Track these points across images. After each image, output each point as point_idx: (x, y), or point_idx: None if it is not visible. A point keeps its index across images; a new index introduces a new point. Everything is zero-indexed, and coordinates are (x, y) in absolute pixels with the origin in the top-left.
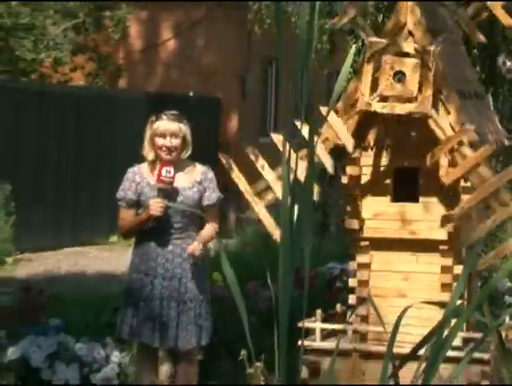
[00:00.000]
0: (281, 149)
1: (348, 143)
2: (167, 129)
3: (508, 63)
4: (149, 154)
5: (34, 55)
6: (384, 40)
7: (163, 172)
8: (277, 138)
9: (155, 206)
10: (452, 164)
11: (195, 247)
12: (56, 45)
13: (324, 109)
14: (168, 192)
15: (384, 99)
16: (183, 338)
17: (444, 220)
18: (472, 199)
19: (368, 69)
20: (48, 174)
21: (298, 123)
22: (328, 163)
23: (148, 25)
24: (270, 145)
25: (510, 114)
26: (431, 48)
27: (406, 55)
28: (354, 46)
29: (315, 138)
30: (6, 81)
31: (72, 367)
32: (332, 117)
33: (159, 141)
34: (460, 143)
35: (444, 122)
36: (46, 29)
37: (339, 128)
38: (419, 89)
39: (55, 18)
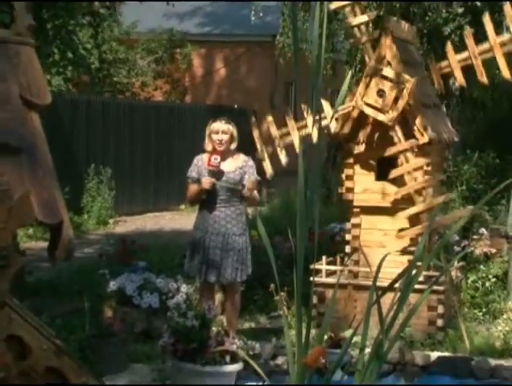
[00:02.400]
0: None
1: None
2: (220, 128)
3: (456, 83)
4: (208, 146)
5: (127, 79)
6: (378, 66)
7: (212, 159)
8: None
9: (205, 182)
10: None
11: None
12: (143, 72)
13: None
14: (215, 173)
15: (371, 106)
16: (232, 275)
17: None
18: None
19: (364, 82)
20: (137, 161)
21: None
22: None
23: (206, 58)
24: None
25: (458, 119)
26: (407, 78)
27: (386, 78)
28: (350, 72)
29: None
30: (108, 98)
31: (154, 295)
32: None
33: (214, 136)
34: (406, 151)
35: (400, 133)
36: (136, 61)
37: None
38: (395, 102)
39: (142, 54)
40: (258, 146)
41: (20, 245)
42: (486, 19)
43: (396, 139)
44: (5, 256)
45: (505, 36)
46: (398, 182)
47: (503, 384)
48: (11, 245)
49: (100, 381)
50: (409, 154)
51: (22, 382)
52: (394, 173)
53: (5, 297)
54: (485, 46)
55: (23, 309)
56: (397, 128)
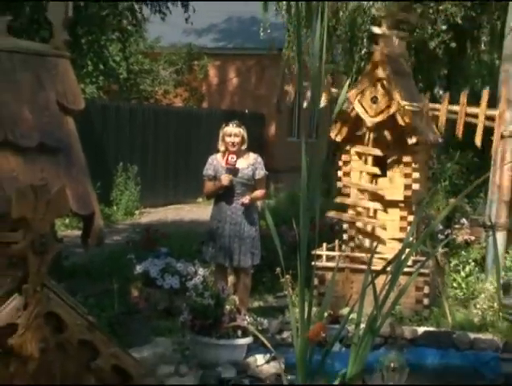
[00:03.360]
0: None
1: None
2: (232, 131)
3: (440, 92)
4: (221, 147)
5: (151, 88)
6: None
7: (230, 158)
8: None
9: (225, 179)
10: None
11: (246, 198)
12: (165, 82)
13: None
14: (232, 170)
15: (367, 112)
16: (243, 260)
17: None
18: None
19: (360, 87)
20: (160, 160)
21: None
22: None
23: (220, 69)
24: (295, 142)
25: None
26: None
27: (380, 80)
28: (348, 82)
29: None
30: (135, 104)
31: (175, 277)
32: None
33: (227, 138)
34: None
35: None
36: (159, 72)
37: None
38: (388, 105)
39: (164, 65)
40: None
41: (57, 233)
42: (484, 93)
43: (400, 120)
44: (44, 243)
45: (495, 112)
46: (391, 178)
47: (481, 354)
48: (50, 233)
49: (127, 352)
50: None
51: (59, 353)
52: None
53: (44, 279)
54: (475, 111)
55: (60, 289)
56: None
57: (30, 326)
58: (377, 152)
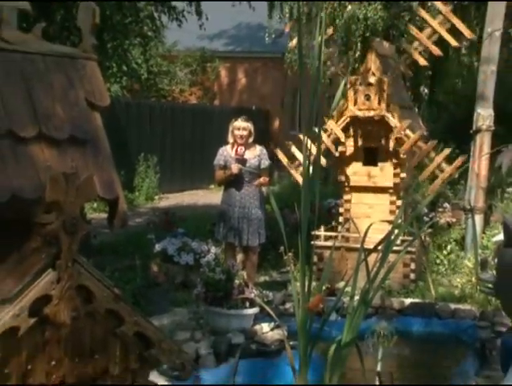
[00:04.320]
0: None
1: (341, 135)
2: (240, 125)
3: (426, 90)
4: (231, 139)
5: (169, 87)
6: (366, 76)
7: (238, 149)
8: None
9: (234, 168)
10: (399, 144)
11: (257, 182)
12: (181, 81)
13: (326, 119)
14: (241, 161)
15: (360, 109)
16: (251, 239)
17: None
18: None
19: (353, 91)
20: (177, 151)
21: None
22: (330, 145)
23: (230, 70)
24: (296, 135)
25: (428, 118)
26: (385, 79)
27: (371, 84)
28: (343, 81)
29: (323, 133)
30: (154, 101)
31: (190, 254)
32: (331, 123)
33: (236, 132)
34: (405, 130)
35: (393, 119)
36: (175, 73)
37: (335, 128)
38: (379, 104)
39: (180, 67)
40: (288, 168)
41: (86, 216)
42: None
43: (392, 123)
44: (74, 223)
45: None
46: (381, 166)
47: (460, 322)
48: (79, 215)
49: (148, 320)
50: (408, 132)
51: (88, 320)
52: (404, 147)
53: (75, 255)
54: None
55: (89, 265)
56: (388, 115)
57: (63, 297)
58: (371, 144)
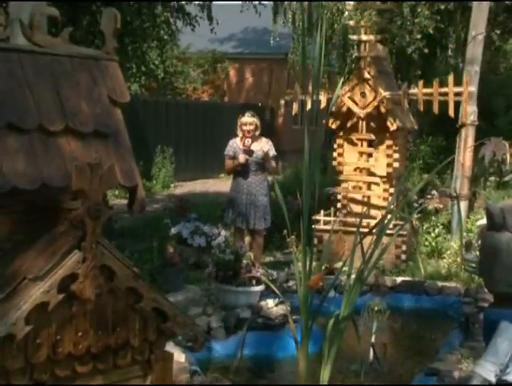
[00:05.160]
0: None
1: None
2: (247, 120)
3: (415, 88)
4: (239, 132)
5: (183, 85)
6: (361, 75)
7: (246, 141)
8: None
9: (242, 158)
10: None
11: (270, 165)
12: (194, 80)
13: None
14: (248, 152)
15: (357, 105)
16: (257, 223)
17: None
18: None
19: (350, 85)
20: (191, 143)
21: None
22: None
23: (238, 70)
24: (298, 129)
25: (417, 112)
26: (381, 91)
27: (366, 81)
28: (341, 80)
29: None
30: (170, 99)
31: (202, 237)
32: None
33: (244, 126)
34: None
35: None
36: (189, 73)
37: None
38: (373, 100)
39: (193, 67)
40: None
41: (109, 202)
42: (450, 77)
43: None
44: (98, 209)
45: (461, 88)
46: (376, 158)
47: (447, 298)
48: (102, 202)
49: (164, 297)
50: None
51: (110, 297)
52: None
53: (98, 238)
54: (446, 90)
55: (111, 246)
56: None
57: (87, 276)
58: (372, 136)
